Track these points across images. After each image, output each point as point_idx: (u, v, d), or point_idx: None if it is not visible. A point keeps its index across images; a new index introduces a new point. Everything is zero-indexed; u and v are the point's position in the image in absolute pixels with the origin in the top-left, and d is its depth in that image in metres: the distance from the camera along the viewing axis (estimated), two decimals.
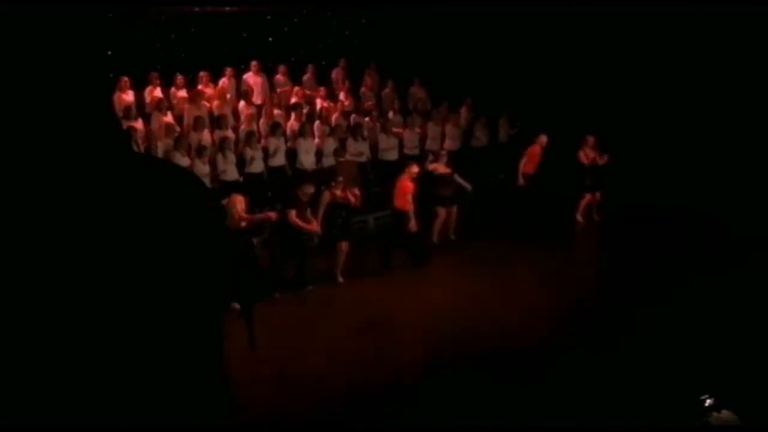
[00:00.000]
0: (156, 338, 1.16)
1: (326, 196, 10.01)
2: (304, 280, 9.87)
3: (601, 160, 12.34)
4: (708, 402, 5.46)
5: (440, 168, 11.45)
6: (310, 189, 9.87)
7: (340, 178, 10.31)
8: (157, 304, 1.16)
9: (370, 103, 14.30)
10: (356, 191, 10.38)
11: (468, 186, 11.61)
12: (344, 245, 10.19)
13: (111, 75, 11.66)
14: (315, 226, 9.79)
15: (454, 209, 11.69)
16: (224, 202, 9.00)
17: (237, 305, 8.25)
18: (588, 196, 12.61)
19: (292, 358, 7.94)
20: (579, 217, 12.72)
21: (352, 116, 13.44)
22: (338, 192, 10.10)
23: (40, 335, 1.09)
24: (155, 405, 1.17)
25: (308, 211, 9.91)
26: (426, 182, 11.18)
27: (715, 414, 5.46)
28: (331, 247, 10.27)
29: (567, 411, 6.43)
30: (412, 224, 10.58)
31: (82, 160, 1.13)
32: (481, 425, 6.33)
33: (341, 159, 11.94)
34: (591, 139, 12.38)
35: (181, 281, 1.19)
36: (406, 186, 10.60)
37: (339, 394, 7.16)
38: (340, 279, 10.24)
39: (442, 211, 11.55)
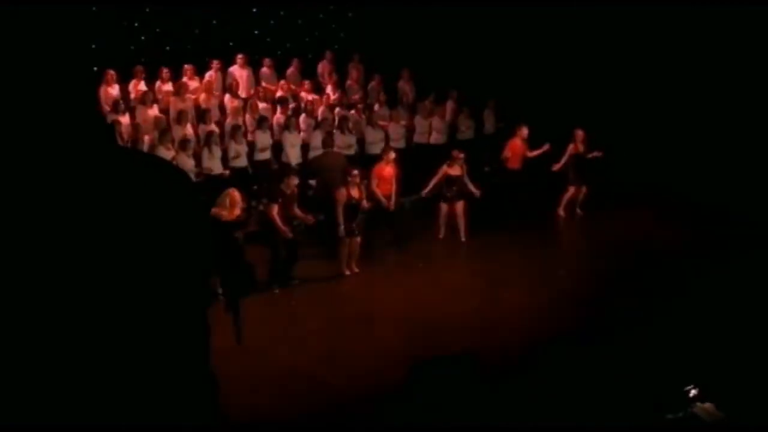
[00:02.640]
0: (140, 333, 1.15)
1: (342, 195, 9.97)
2: (288, 274, 9.83)
3: (588, 154, 12.28)
4: (692, 393, 5.53)
5: (453, 171, 11.37)
6: (294, 181, 9.85)
7: (355, 172, 10.24)
8: (142, 298, 1.15)
9: (356, 96, 14.27)
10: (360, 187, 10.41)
11: (476, 192, 11.48)
12: (357, 240, 10.25)
13: (95, 68, 11.55)
14: (287, 232, 9.61)
15: (460, 204, 11.44)
16: (222, 197, 8.97)
17: (223, 299, 8.22)
18: (572, 190, 12.51)
19: (278, 352, 7.93)
20: (561, 212, 12.61)
21: (337, 109, 13.42)
22: (353, 189, 10.06)
23: (19, 331, 1.08)
24: (139, 401, 1.16)
25: (295, 204, 9.87)
26: (441, 183, 11.37)
27: (699, 404, 5.52)
28: (337, 243, 10.27)
29: (552, 405, 6.46)
30: (390, 204, 10.93)
31: (65, 155, 1.12)
32: (467, 421, 6.35)
33: (327, 150, 11.86)
34: (581, 133, 12.31)
35: (165, 275, 1.18)
36: (383, 171, 10.90)
37: (325, 388, 7.16)
38: (356, 269, 10.33)
39: (443, 207, 11.51)
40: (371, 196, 10.82)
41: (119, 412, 1.14)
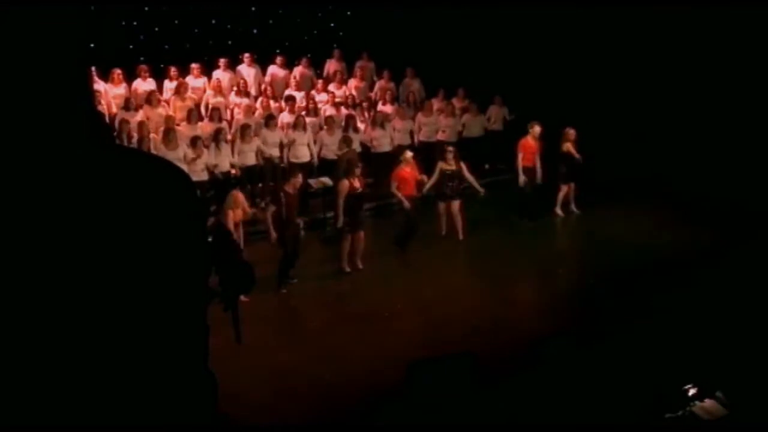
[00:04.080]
0: (138, 332, 1.15)
1: (344, 186, 9.96)
2: (287, 273, 9.83)
3: (577, 156, 12.13)
4: (692, 392, 5.52)
5: (446, 165, 11.33)
6: (299, 180, 9.87)
7: (359, 166, 10.26)
8: (140, 297, 1.15)
9: (361, 99, 14.28)
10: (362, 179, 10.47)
11: (480, 189, 11.49)
12: (361, 235, 10.25)
13: (92, 67, 11.57)
14: (276, 238, 9.67)
15: (456, 203, 11.34)
16: (227, 198, 9.00)
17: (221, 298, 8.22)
18: (564, 188, 12.45)
19: (278, 352, 7.93)
20: (558, 210, 12.53)
21: (341, 108, 13.43)
22: (356, 182, 10.07)
23: (16, 328, 1.07)
24: (137, 400, 1.15)
25: (297, 206, 9.86)
26: (440, 180, 11.33)
27: (698, 403, 5.52)
28: (340, 237, 10.28)
29: (551, 404, 6.45)
30: (406, 204, 10.83)
31: (60, 155, 1.12)
32: (466, 421, 6.35)
33: (346, 149, 11.88)
34: (572, 132, 12.24)
35: (163, 274, 1.18)
36: (403, 173, 10.90)
37: (325, 388, 7.17)
38: (360, 266, 10.33)
39: (441, 206, 11.46)
40: (394, 198, 10.85)
41: (117, 412, 1.14)
